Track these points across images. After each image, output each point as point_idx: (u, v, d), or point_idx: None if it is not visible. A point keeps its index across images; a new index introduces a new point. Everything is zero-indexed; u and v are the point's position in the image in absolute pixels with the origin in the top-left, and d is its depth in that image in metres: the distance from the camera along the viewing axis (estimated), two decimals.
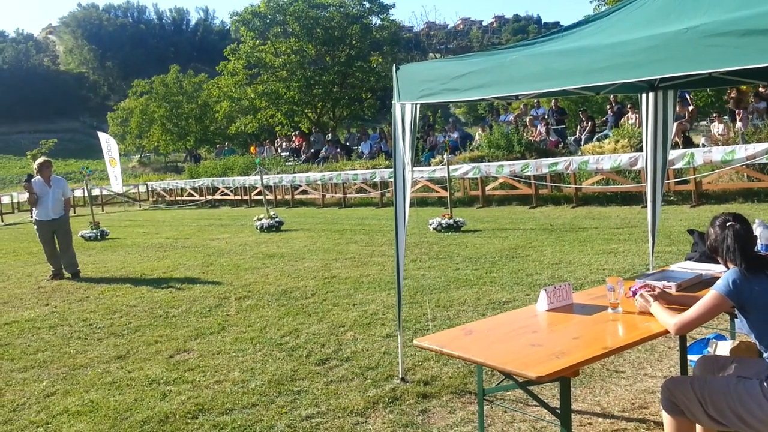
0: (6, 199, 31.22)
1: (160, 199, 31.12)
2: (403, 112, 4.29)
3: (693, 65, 3.02)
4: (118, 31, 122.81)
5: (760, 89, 15.25)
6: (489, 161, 17.40)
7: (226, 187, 26.30)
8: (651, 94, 5.45)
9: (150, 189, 32.52)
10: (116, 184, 28.79)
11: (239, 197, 25.54)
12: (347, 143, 27.02)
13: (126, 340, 6.09)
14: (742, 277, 2.67)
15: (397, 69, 4.28)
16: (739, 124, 14.88)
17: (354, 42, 37.87)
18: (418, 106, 4.29)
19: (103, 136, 29.08)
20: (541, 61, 3.60)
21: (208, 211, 24.90)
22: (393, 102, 4.33)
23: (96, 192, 31.49)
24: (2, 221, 26.13)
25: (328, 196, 21.87)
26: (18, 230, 21.21)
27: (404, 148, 4.33)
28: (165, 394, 4.53)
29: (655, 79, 5.11)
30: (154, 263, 10.91)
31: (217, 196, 26.71)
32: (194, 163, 35.50)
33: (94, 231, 15.62)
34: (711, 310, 2.70)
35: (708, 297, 2.71)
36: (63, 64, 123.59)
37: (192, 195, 28.39)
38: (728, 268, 2.80)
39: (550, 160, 15.77)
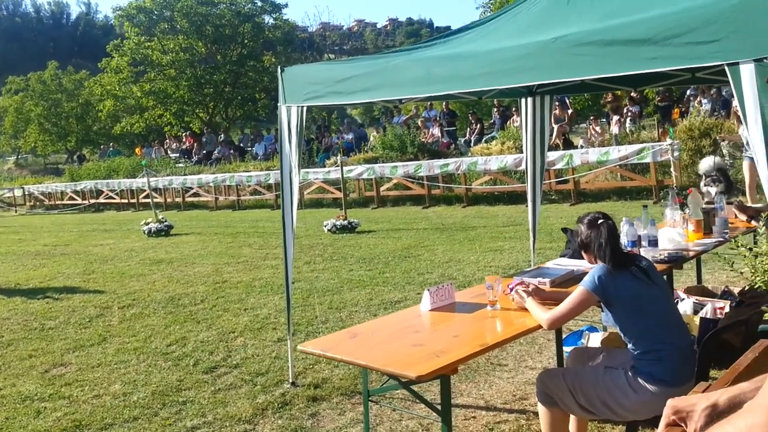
0: None
1: (38, 203, 29.22)
2: (289, 115, 4.26)
3: (561, 73, 3.20)
4: None
5: (633, 94, 16.32)
6: (383, 162, 17.60)
7: (111, 190, 25.06)
8: (530, 99, 5.71)
9: (27, 193, 30.46)
10: None
11: (126, 201, 24.41)
12: (241, 144, 26.50)
13: None
14: (607, 273, 2.84)
15: (282, 71, 4.25)
16: (614, 127, 15.86)
17: (246, 41, 37.18)
18: (305, 108, 4.27)
19: None
20: (423, 66, 3.68)
21: (92, 215, 23.67)
22: (279, 104, 4.29)
23: None
24: None
25: (221, 198, 21.35)
26: None
27: (291, 151, 4.31)
28: (39, 412, 4.26)
29: (533, 85, 5.36)
30: (30, 272, 10.24)
31: (102, 200, 25.41)
32: (77, 165, 33.58)
33: None
34: (579, 305, 2.86)
35: (576, 293, 2.86)
36: None
37: (74, 199, 26.84)
38: (595, 264, 2.97)
39: (442, 161, 16.16)
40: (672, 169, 12.24)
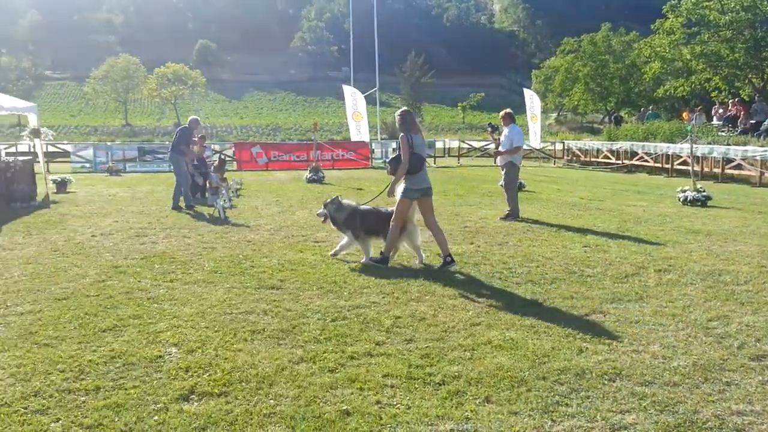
0: (439, 144, 35.15)
1: (574, 158, 31.31)
2: None
3: None
4: None
5: None
6: None
7: (646, 153, 25.02)
8: None
9: (566, 147, 32.96)
10: (535, 140, 30.07)
11: (659, 165, 24.08)
12: None
13: (542, 289, 6.31)
14: None
15: None
16: None
17: None
18: None
19: (527, 93, 30.52)
20: None
21: (623, 175, 24.13)
22: None
23: None
24: (434, 163, 29.54)
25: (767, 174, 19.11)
26: (447, 173, 23.78)
27: None
28: (581, 350, 4.56)
29: None
30: (567, 220, 11.05)
31: (635, 162, 25.64)
32: (614, 126, 34.64)
33: None
34: None
35: None
36: (497, 23, 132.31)
37: (608, 158, 27.82)
38: None
39: None
40: None
